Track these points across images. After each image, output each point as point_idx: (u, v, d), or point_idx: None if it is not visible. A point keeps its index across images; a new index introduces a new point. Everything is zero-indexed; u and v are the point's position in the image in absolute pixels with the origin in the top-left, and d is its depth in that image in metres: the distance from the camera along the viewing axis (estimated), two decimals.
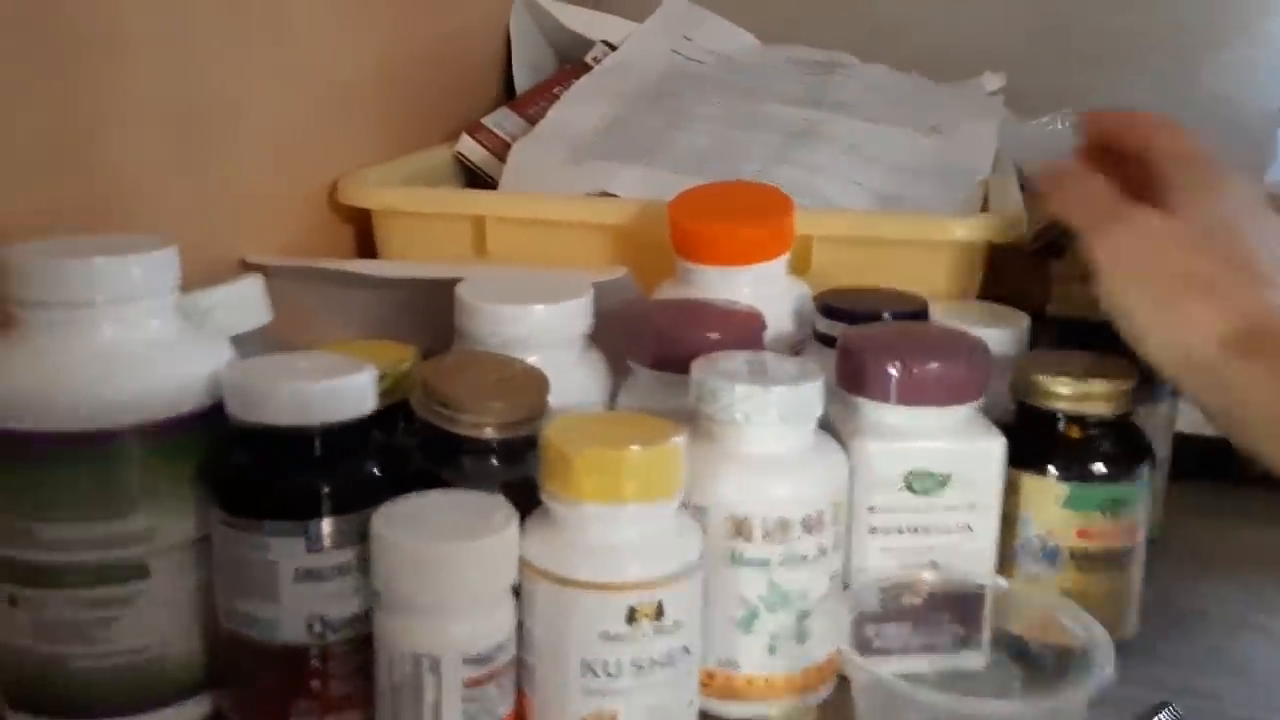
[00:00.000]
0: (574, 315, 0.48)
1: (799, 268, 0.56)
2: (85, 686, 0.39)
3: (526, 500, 0.39)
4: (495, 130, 0.76)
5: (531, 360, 0.45)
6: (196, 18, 0.54)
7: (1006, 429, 0.45)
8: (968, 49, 0.87)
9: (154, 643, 0.40)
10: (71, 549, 0.38)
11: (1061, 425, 0.46)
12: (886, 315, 0.50)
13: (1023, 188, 0.80)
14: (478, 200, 0.63)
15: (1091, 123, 0.48)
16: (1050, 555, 0.46)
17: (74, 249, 0.39)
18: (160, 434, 0.39)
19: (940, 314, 0.52)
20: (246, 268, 0.55)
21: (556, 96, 0.80)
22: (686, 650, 0.39)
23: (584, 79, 0.78)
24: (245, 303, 0.49)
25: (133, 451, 0.38)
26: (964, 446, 0.44)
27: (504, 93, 0.87)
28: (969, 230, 0.58)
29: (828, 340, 0.50)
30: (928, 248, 0.58)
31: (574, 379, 0.47)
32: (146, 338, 0.39)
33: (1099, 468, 0.46)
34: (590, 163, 0.66)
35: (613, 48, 0.83)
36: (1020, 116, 0.82)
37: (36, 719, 0.40)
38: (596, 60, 0.83)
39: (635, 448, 0.37)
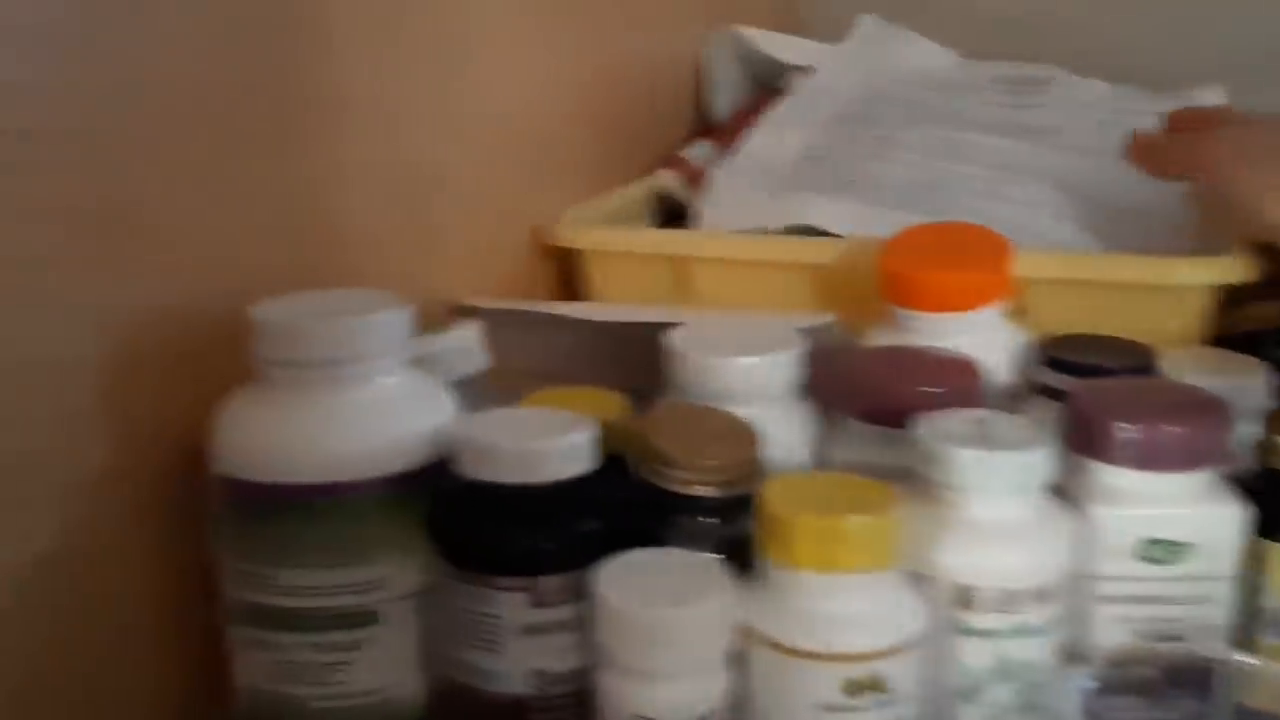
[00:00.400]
0: (785, 367, 0.47)
1: (1014, 313, 0.54)
2: None
3: (742, 558, 0.39)
4: (693, 162, 0.76)
5: (742, 413, 0.45)
6: (408, 81, 0.56)
7: (1250, 493, 0.42)
8: (1183, 65, 0.83)
9: (382, 686, 0.41)
10: (309, 595, 0.40)
11: None
12: (1115, 368, 0.48)
13: None
14: (680, 240, 0.64)
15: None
16: None
17: (315, 307, 0.41)
18: (393, 487, 0.40)
19: (1170, 365, 0.50)
20: (459, 312, 0.57)
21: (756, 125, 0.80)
22: None
23: (780, 105, 0.78)
24: (465, 349, 0.50)
25: (368, 503, 0.40)
26: (1203, 513, 0.42)
27: (699, 123, 0.87)
28: (1198, 273, 0.55)
29: (1051, 393, 0.48)
30: (1152, 291, 0.55)
31: (784, 431, 0.47)
32: (383, 393, 0.41)
33: None
34: (789, 195, 0.65)
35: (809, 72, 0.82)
36: None
37: None
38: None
39: (857, 516, 0.37)
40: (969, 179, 0.65)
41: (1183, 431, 0.42)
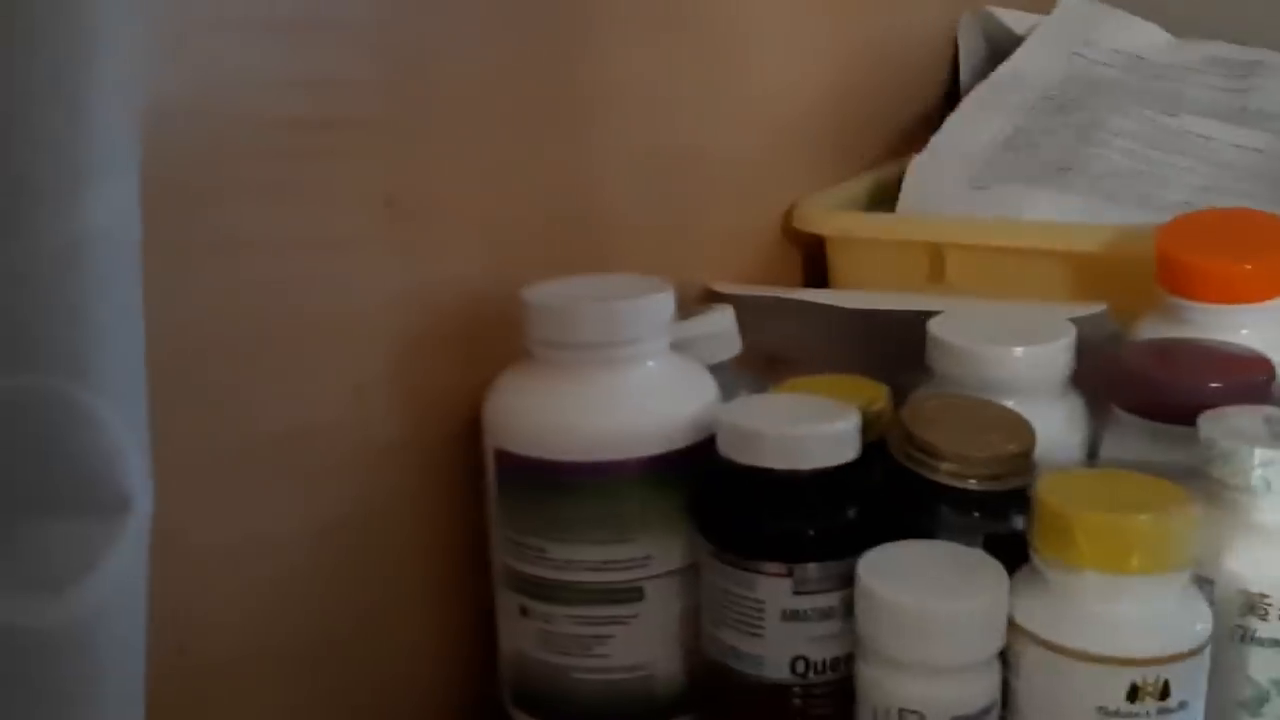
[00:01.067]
0: (1057, 357, 0.46)
1: None
2: (581, 698, 0.42)
3: (1010, 555, 0.37)
4: None
5: (1011, 404, 0.43)
6: (672, 67, 0.57)
7: None
8: None
9: (645, 662, 0.42)
10: (576, 569, 0.41)
11: None
12: None
13: None
14: (935, 226, 0.62)
15: None
16: None
17: (583, 291, 0.42)
18: (657, 467, 0.41)
19: None
20: (712, 297, 0.57)
21: None
22: None
23: (978, 89, 0.73)
24: (721, 333, 0.50)
25: (633, 482, 0.41)
26: None
27: (948, 104, 0.84)
28: None
29: None
30: None
31: (1054, 425, 0.45)
32: (648, 375, 0.42)
33: None
34: (997, 186, 0.62)
35: None
36: None
37: None
38: None
39: (1144, 516, 0.35)
40: (1188, 171, 0.61)
41: None
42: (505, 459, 0.42)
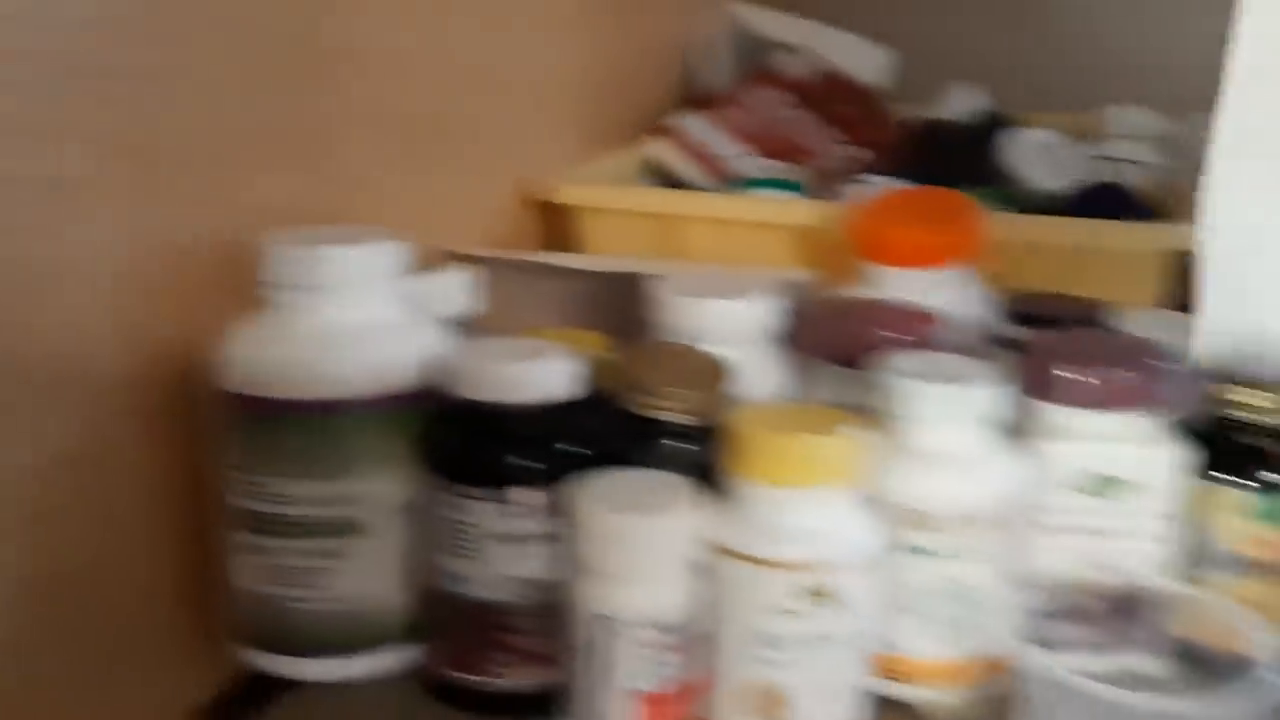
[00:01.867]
0: (759, 311, 0.50)
1: (992, 273, 0.57)
2: (306, 629, 0.44)
3: (711, 481, 0.41)
4: (683, 133, 0.79)
5: (718, 353, 0.48)
6: (415, 35, 0.59)
7: (1200, 438, 0.45)
8: None
9: (366, 593, 0.44)
10: (298, 504, 0.43)
11: (1255, 437, 0.46)
12: (1068, 322, 0.50)
13: None
14: (671, 200, 0.66)
15: None
16: (1235, 565, 0.46)
17: (315, 237, 0.44)
18: (377, 405, 0.43)
19: (1125, 322, 0.52)
20: (453, 259, 0.60)
21: (744, 101, 0.83)
22: (857, 632, 0.40)
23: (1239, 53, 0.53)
24: (456, 290, 0.52)
25: (352, 420, 0.43)
26: (1145, 452, 0.44)
27: (687, 95, 0.90)
28: (1150, 239, 0.58)
29: (1012, 344, 0.50)
30: (1120, 257, 0.58)
31: (759, 373, 0.49)
32: (369, 319, 0.44)
33: None
34: None
35: (801, 52, 0.85)
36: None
37: (260, 653, 0.45)
38: (785, 63, 0.85)
39: (817, 435, 0.39)
40: None
41: (1125, 376, 0.44)
42: (234, 398, 0.43)
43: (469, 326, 0.52)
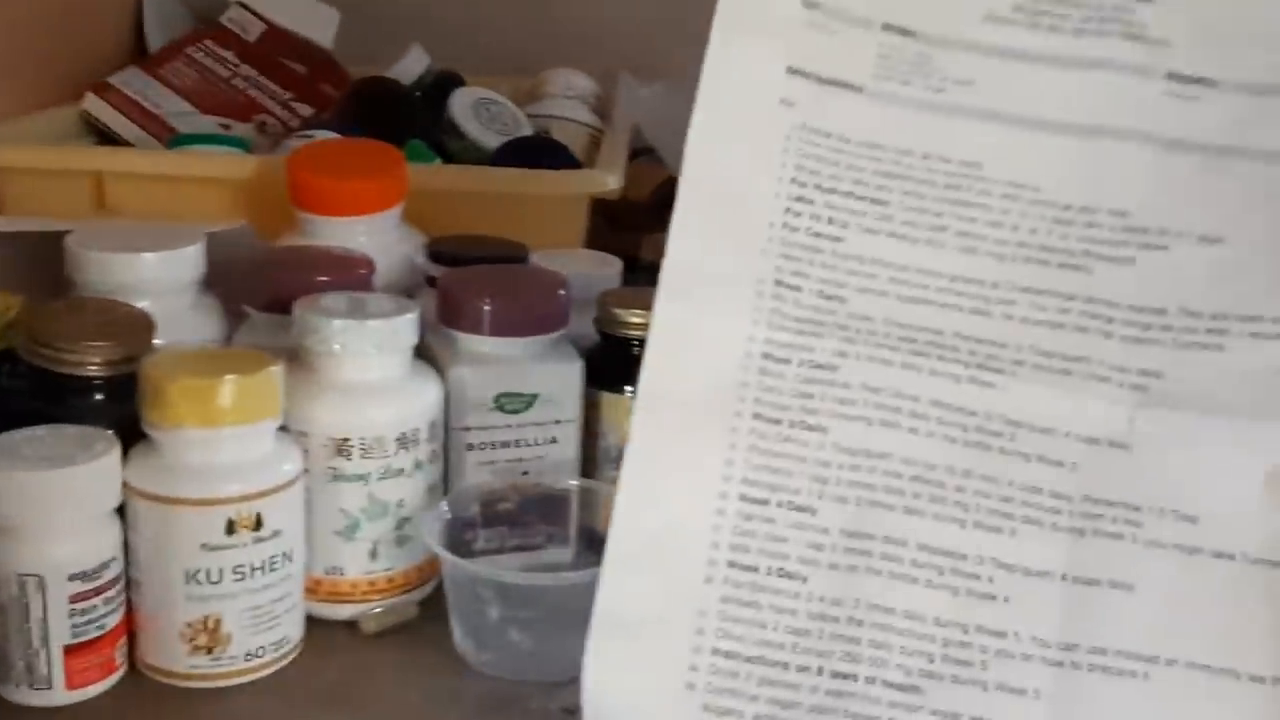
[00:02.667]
0: (184, 262, 0.51)
1: (410, 216, 0.61)
2: None
3: (135, 431, 0.42)
4: (124, 90, 0.77)
5: (144, 305, 0.48)
6: None
7: (592, 354, 0.52)
8: None
9: None
10: None
11: (635, 350, 0.53)
12: (486, 259, 0.55)
13: (648, 150, 0.88)
14: (97, 156, 0.64)
15: None
16: None
17: None
18: None
19: (542, 259, 0.58)
20: None
21: (190, 57, 0.81)
22: (287, 557, 0.43)
23: None
24: None
25: None
26: (547, 369, 0.50)
27: (135, 52, 0.86)
28: (571, 185, 0.65)
29: (434, 282, 0.55)
30: (535, 200, 0.65)
31: (187, 324, 0.50)
32: None
33: None
34: None
35: (249, 10, 0.85)
36: (640, 81, 0.90)
37: None
38: (233, 21, 0.84)
39: (227, 375, 0.41)
40: None
41: (526, 303, 0.50)
42: None
43: None
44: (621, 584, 0.33)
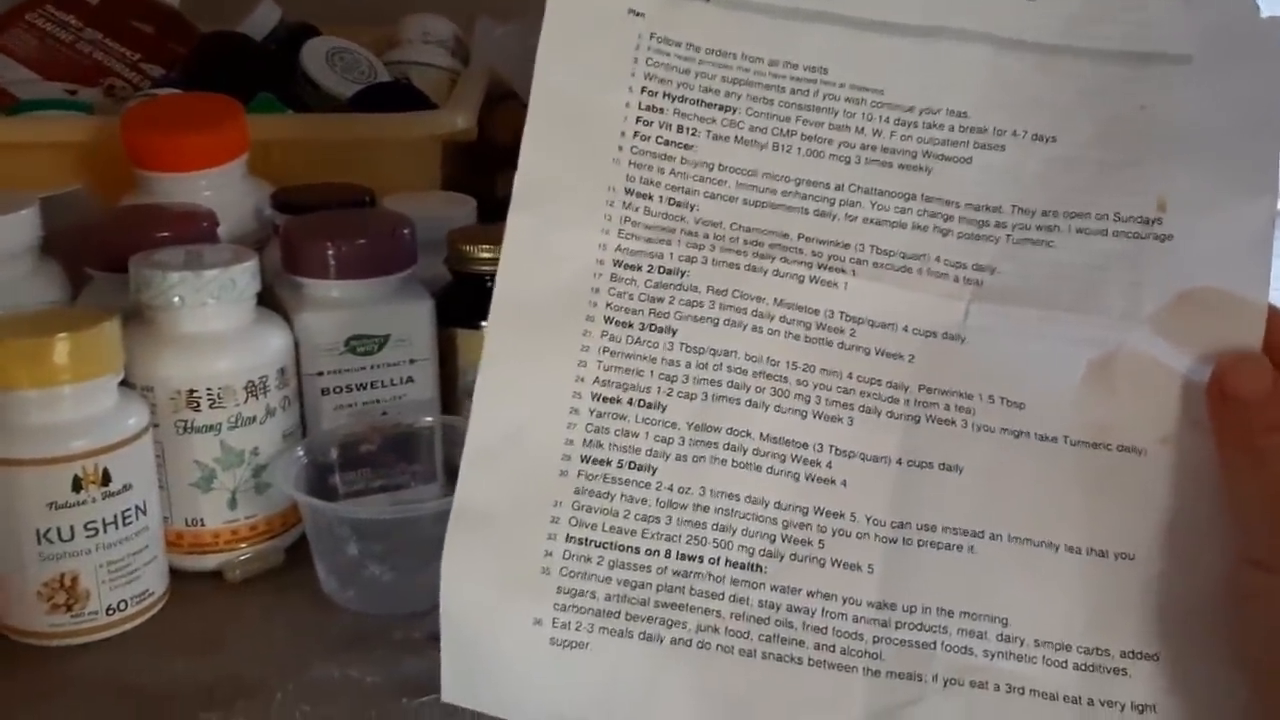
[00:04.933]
0: (16, 227, 0.50)
1: (262, 170, 0.60)
2: None
3: None
4: None
5: None
6: None
7: (445, 293, 0.52)
8: None
9: None
10: None
11: (488, 284, 0.54)
12: (332, 206, 0.56)
13: (513, 94, 0.88)
14: None
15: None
16: None
17: None
18: None
19: (393, 203, 0.59)
20: None
21: (30, 24, 0.79)
22: (140, 510, 0.43)
23: None
24: None
25: None
26: (396, 309, 0.51)
27: None
28: (418, 127, 0.65)
29: (280, 231, 0.55)
30: (387, 145, 0.65)
31: (26, 290, 0.50)
32: None
33: None
34: None
35: None
36: (497, 21, 0.90)
37: None
38: None
39: (59, 334, 0.41)
40: None
41: (371, 245, 0.50)
42: None
43: None
44: (479, 480, 0.34)
